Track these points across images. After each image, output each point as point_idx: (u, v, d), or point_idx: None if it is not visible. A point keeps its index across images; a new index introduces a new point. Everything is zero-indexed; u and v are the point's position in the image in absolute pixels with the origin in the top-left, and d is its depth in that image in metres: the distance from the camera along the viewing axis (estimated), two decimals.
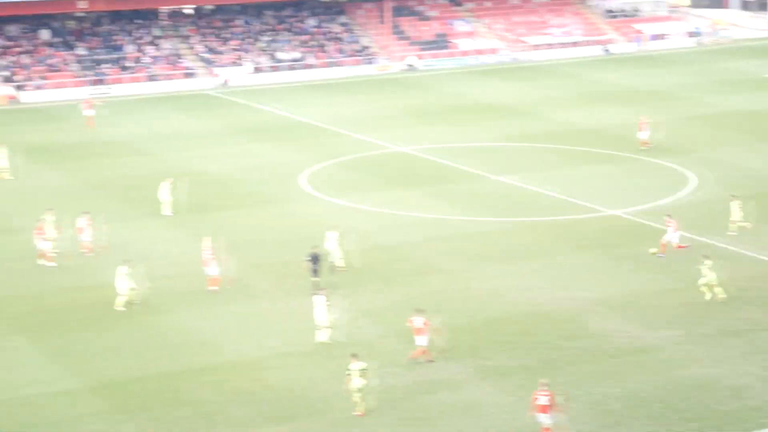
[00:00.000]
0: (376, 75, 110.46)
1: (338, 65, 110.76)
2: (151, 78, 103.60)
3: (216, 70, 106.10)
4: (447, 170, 73.27)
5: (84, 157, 78.10)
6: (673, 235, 54.32)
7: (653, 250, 54.59)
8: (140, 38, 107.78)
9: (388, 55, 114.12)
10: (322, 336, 45.23)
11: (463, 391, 41.26)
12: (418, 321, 43.28)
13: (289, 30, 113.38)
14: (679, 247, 54.44)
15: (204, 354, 44.70)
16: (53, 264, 54.74)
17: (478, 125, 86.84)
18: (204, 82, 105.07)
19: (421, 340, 43.23)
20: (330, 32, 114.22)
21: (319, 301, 45.26)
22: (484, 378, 42.19)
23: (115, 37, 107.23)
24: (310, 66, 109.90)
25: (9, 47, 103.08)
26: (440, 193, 67.52)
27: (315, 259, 50.96)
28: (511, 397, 40.35)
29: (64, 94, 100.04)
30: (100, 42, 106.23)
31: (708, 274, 48.66)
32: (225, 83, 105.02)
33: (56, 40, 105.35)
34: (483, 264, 54.94)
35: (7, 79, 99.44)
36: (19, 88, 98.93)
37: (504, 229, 60.50)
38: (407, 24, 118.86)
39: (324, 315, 45.08)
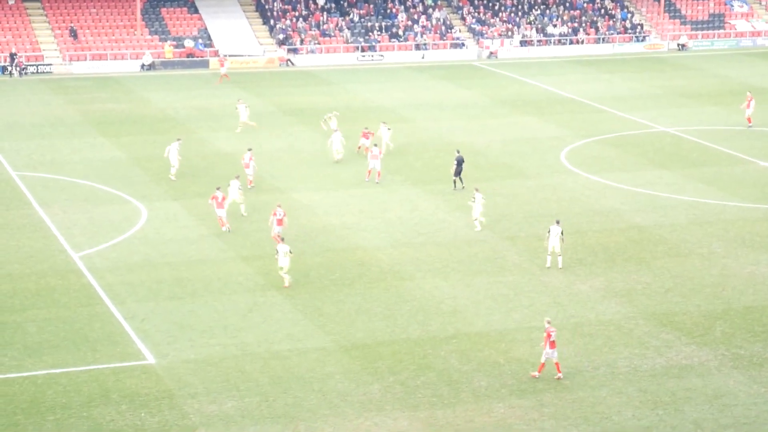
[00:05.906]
0: (645, 53, 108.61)
1: (607, 42, 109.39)
2: (419, 47, 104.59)
3: (484, 41, 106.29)
4: (712, 153, 71.58)
5: (343, 121, 79.18)
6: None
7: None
8: (412, 7, 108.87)
9: (659, 34, 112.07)
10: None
11: (713, 378, 40.48)
12: None
13: (561, 4, 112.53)
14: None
15: (453, 322, 45.12)
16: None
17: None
18: (471, 53, 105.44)
19: None
20: (602, 8, 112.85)
21: (478, 198, 54.57)
22: (736, 367, 41.27)
23: (388, 5, 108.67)
24: (579, 41, 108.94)
25: (286, 11, 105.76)
26: (703, 176, 66.05)
27: (459, 162, 61.66)
28: (764, 387, 39.42)
29: (334, 59, 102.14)
30: (373, 9, 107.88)
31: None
32: (492, 55, 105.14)
33: (331, 5, 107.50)
34: (743, 250, 53.57)
35: (282, 42, 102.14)
36: (292, 51, 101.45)
37: None
38: (682, 2, 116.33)
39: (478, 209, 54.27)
